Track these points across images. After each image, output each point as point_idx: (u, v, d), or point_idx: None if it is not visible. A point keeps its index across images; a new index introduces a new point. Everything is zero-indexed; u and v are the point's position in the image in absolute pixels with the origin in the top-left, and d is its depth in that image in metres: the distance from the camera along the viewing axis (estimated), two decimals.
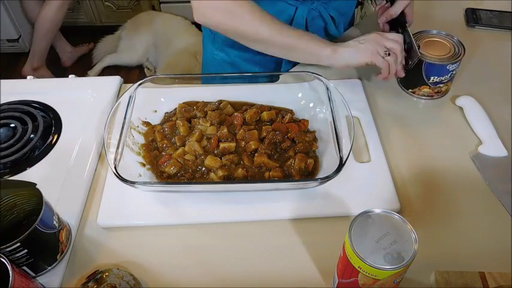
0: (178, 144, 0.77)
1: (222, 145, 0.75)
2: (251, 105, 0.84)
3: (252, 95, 0.86)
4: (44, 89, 0.95)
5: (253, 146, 0.75)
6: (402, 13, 0.90)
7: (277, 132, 0.76)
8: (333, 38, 1.00)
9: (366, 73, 0.95)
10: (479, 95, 0.87)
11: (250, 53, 0.99)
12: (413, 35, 0.87)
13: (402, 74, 0.84)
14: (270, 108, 0.83)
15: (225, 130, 0.76)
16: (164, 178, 0.73)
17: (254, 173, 0.73)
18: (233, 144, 0.75)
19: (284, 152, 0.75)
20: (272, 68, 1.02)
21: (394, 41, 0.80)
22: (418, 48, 0.85)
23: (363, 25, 1.13)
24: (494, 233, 0.68)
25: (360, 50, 0.79)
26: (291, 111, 0.83)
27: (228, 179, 0.72)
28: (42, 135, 0.82)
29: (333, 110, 0.76)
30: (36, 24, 2.22)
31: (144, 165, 0.75)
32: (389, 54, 0.79)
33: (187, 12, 2.31)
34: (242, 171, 0.72)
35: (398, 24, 0.90)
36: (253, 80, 0.89)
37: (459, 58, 0.85)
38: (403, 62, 0.83)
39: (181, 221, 0.70)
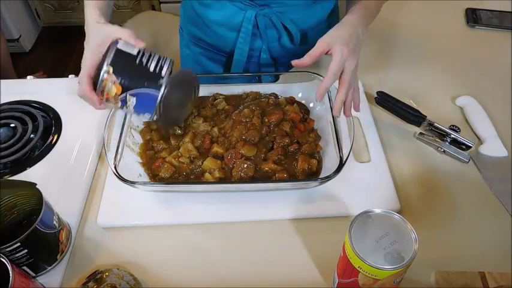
0: (172, 143, 0.77)
1: (215, 148, 0.74)
2: (244, 98, 0.85)
3: None
4: (44, 89, 0.95)
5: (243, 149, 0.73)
6: None
7: (273, 121, 0.77)
8: (288, 50, 0.97)
9: (366, 73, 0.95)
10: (479, 95, 0.87)
11: (211, 51, 1.00)
12: None
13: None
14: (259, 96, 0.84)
15: (216, 129, 0.77)
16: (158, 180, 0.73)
17: (260, 174, 0.72)
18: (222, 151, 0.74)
19: (292, 154, 0.75)
20: (233, 68, 1.01)
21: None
22: None
23: None
24: (494, 233, 0.68)
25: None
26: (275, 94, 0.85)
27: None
28: (42, 135, 0.82)
29: (333, 110, 0.76)
30: None
31: (144, 165, 0.75)
32: None
33: None
34: (249, 169, 0.71)
35: None
36: (253, 80, 0.89)
37: None
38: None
39: (181, 221, 0.70)
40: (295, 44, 0.96)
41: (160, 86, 0.63)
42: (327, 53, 0.71)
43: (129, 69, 0.63)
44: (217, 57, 1.03)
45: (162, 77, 0.63)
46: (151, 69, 0.63)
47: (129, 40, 0.64)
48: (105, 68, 0.63)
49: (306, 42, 0.95)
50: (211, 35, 0.98)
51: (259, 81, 0.88)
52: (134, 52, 0.64)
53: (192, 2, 0.96)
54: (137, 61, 0.63)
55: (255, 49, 0.96)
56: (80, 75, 0.66)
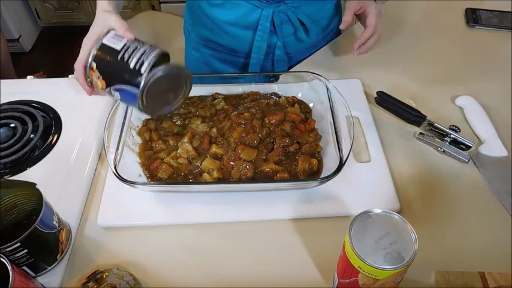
0: (171, 143, 0.77)
1: (214, 149, 0.74)
2: (244, 98, 0.85)
3: None
4: (44, 89, 0.95)
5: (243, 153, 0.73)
6: None
7: (274, 121, 0.77)
8: (304, 44, 0.99)
9: (366, 73, 0.95)
10: (479, 95, 0.87)
11: (223, 52, 1.00)
12: None
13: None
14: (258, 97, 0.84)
15: (215, 129, 0.76)
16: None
17: (261, 175, 0.72)
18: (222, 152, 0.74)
19: (293, 154, 0.75)
20: (244, 68, 1.01)
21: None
22: None
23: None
24: (494, 233, 0.68)
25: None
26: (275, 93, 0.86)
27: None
28: (42, 135, 0.82)
29: (333, 110, 0.76)
30: None
31: (143, 165, 0.75)
32: None
33: None
34: (250, 170, 0.71)
35: None
36: (252, 79, 0.89)
37: None
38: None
39: (181, 221, 0.70)
40: (311, 37, 0.97)
41: (139, 83, 0.61)
42: (358, 14, 0.90)
43: (111, 65, 0.63)
44: (229, 58, 1.01)
45: (141, 74, 0.61)
46: (132, 65, 0.62)
47: (118, 31, 0.65)
48: (89, 62, 0.63)
49: (320, 32, 1.01)
50: (223, 36, 0.97)
51: (275, 80, 0.89)
52: (119, 46, 0.63)
53: (199, 3, 0.95)
54: (119, 57, 0.62)
55: (270, 46, 0.97)
56: (76, 61, 0.67)
